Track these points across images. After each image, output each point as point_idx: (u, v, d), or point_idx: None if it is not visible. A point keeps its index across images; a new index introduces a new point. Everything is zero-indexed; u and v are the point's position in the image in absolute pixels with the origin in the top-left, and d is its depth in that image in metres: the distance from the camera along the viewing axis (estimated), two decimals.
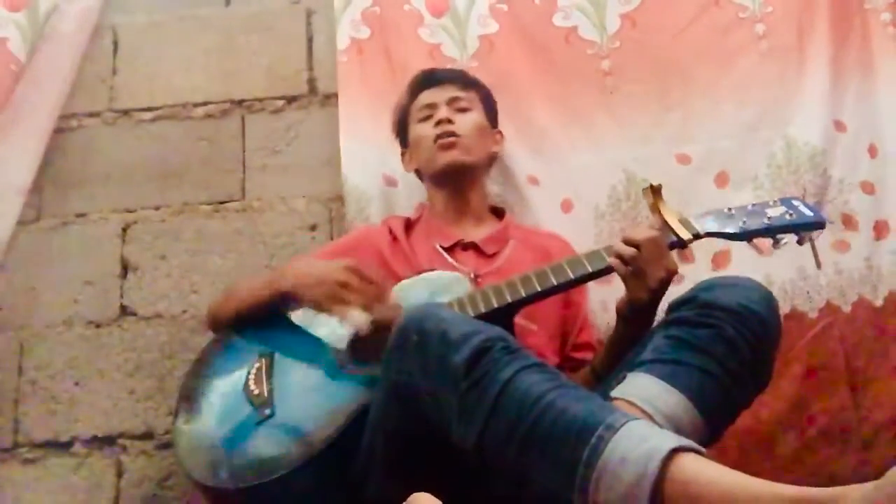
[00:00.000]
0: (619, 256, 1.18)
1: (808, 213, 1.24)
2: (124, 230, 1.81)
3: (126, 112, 1.88)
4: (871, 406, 1.54)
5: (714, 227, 1.24)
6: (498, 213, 1.63)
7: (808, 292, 1.59)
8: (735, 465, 1.48)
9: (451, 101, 1.58)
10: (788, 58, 1.72)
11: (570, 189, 1.72)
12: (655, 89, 1.76)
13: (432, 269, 1.42)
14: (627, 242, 1.18)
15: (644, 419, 0.89)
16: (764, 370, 1.10)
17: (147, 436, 1.66)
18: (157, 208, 1.82)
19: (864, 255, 1.61)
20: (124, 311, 1.75)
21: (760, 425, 1.52)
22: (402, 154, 1.67)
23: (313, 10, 1.96)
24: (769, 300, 1.10)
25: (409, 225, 1.59)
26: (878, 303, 1.59)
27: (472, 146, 1.55)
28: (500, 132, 1.68)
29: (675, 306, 1.12)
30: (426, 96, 1.61)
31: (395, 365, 1.08)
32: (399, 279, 1.41)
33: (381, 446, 1.12)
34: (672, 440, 0.82)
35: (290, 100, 1.90)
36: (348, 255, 1.48)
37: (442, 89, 1.60)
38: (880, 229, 1.63)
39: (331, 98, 1.87)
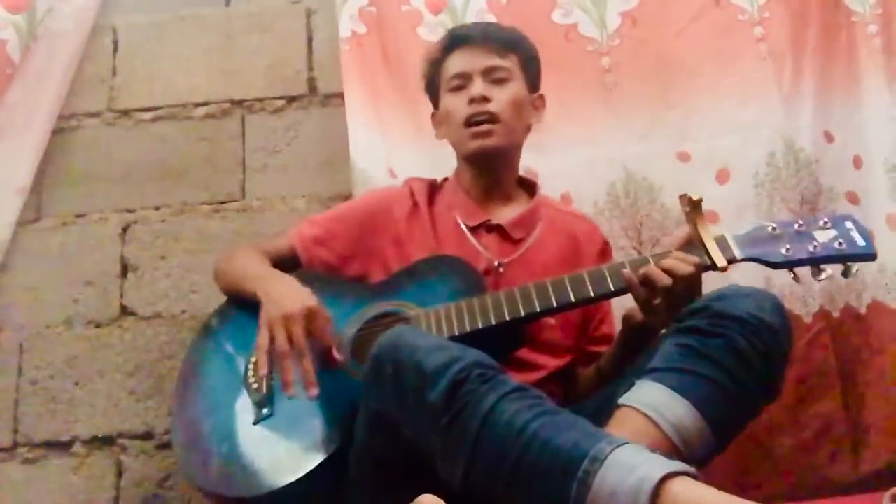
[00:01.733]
0: (649, 281, 1.14)
1: (861, 242, 1.13)
2: (124, 230, 1.81)
3: (126, 112, 1.88)
4: (860, 410, 1.55)
5: (754, 253, 1.16)
6: (529, 186, 1.51)
7: (803, 297, 1.59)
8: (734, 469, 1.51)
9: (487, 72, 1.41)
10: (786, 62, 1.73)
11: (568, 186, 1.72)
12: (655, 86, 1.75)
13: (448, 254, 1.35)
14: (667, 272, 1.13)
15: (635, 443, 0.86)
16: (774, 382, 1.07)
17: (147, 436, 1.67)
18: (157, 208, 1.82)
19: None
20: (124, 311, 1.75)
21: (758, 428, 1.53)
22: (433, 115, 1.53)
23: (313, 9, 1.95)
24: (781, 311, 1.07)
25: (432, 190, 1.48)
26: (862, 311, 1.60)
27: (509, 128, 1.40)
28: (541, 96, 1.51)
29: (686, 314, 1.09)
30: (458, 61, 1.44)
31: (373, 395, 1.05)
32: (412, 257, 1.36)
33: (369, 470, 1.10)
34: (660, 467, 0.80)
35: (290, 100, 1.90)
36: (364, 224, 1.43)
37: (477, 54, 1.42)
38: None
39: (331, 98, 1.87)
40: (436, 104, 1.52)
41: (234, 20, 1.96)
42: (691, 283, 1.13)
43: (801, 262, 1.14)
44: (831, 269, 1.14)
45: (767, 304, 1.06)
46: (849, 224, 1.16)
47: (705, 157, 1.69)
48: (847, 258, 1.13)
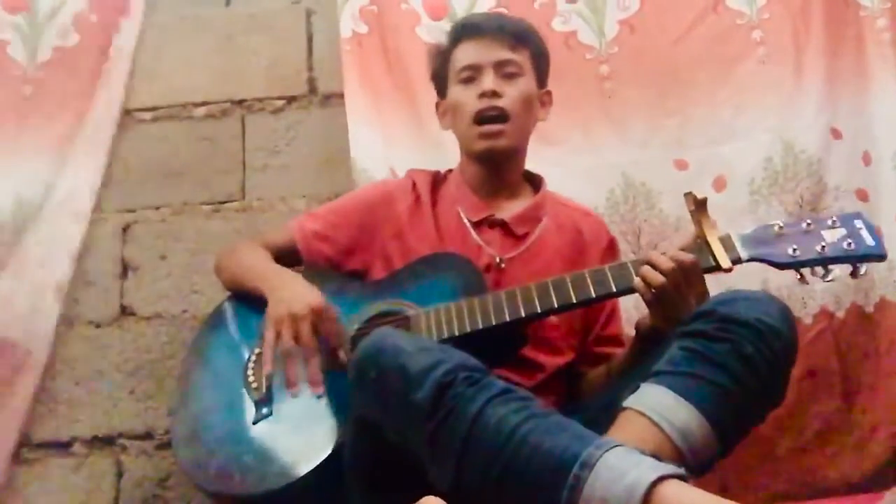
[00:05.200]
0: (645, 280, 1.12)
1: (870, 241, 1.08)
2: (124, 230, 1.81)
3: (126, 112, 1.88)
4: (863, 410, 1.56)
5: (759, 253, 1.12)
6: (534, 180, 1.48)
7: (803, 298, 1.60)
8: (734, 468, 1.52)
9: (499, 65, 1.37)
10: (786, 63, 1.74)
11: (567, 193, 1.72)
12: (654, 94, 1.77)
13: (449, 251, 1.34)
14: (654, 266, 1.11)
15: (625, 445, 0.85)
16: (779, 387, 1.07)
17: (147, 436, 1.67)
18: (157, 208, 1.82)
19: None
20: (124, 311, 1.75)
21: (759, 428, 1.53)
22: (437, 105, 1.49)
23: (313, 10, 1.95)
24: (787, 316, 1.06)
25: (435, 182, 1.46)
26: (870, 309, 1.61)
27: (518, 126, 1.38)
28: (548, 92, 1.48)
29: (692, 318, 1.07)
30: (470, 52, 1.39)
31: (357, 400, 1.05)
32: (413, 251, 1.35)
33: (359, 473, 1.10)
34: (651, 470, 0.80)
35: (290, 100, 1.90)
36: (365, 217, 1.42)
37: (489, 46, 1.38)
38: None
39: (330, 98, 1.88)
40: (441, 93, 1.48)
41: (234, 20, 1.96)
42: (684, 276, 1.10)
43: (808, 263, 1.10)
44: (839, 270, 1.10)
45: (774, 310, 1.04)
46: (858, 223, 1.11)
47: (702, 165, 1.71)
48: (856, 259, 1.09)
